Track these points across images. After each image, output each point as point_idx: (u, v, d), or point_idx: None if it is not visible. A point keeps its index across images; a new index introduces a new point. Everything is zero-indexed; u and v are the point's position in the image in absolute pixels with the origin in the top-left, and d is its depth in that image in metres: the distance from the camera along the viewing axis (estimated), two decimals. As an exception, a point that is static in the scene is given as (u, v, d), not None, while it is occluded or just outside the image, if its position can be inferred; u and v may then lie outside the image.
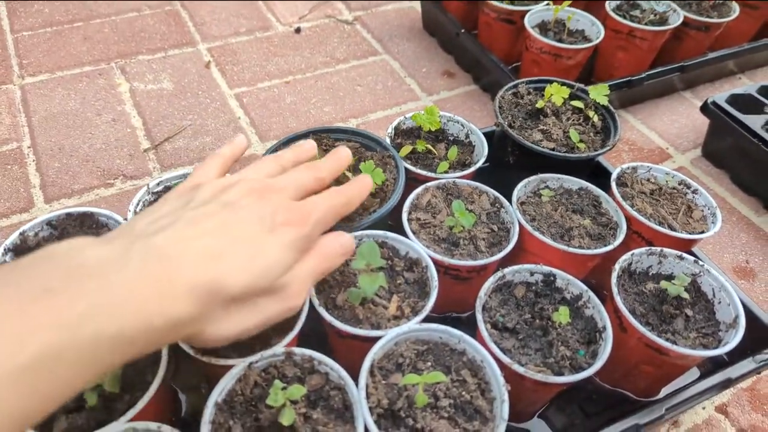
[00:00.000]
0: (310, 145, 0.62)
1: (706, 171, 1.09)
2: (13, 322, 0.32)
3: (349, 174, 0.73)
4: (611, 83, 1.02)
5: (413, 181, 0.77)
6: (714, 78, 1.29)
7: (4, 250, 0.62)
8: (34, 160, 0.96)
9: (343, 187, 0.57)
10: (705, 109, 1.04)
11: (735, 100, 1.03)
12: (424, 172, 0.76)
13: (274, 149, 0.77)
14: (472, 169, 0.78)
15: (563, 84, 0.86)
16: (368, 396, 0.54)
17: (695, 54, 1.17)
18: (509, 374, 0.57)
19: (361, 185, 0.58)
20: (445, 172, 0.78)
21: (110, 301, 0.35)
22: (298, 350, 0.56)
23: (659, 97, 1.24)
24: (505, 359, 0.57)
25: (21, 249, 0.63)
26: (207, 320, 0.41)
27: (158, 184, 0.71)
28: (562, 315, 0.61)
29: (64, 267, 0.36)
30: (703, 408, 0.76)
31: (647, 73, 1.09)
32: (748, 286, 0.90)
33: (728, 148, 1.05)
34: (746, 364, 0.69)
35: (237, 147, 0.59)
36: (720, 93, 1.05)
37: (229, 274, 0.41)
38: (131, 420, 0.50)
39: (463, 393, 0.56)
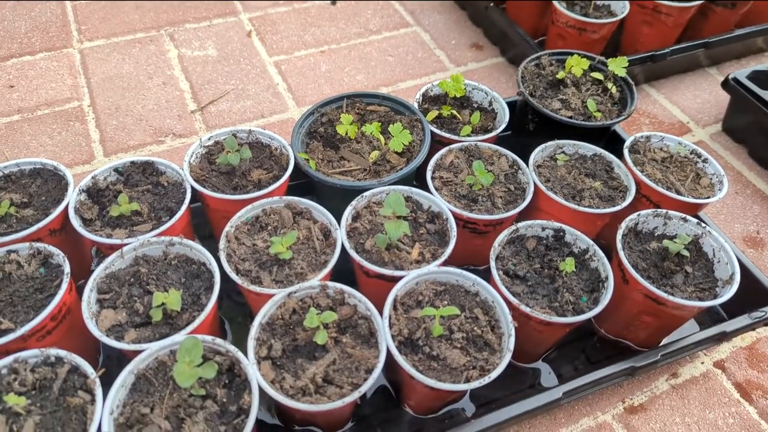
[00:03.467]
0: None
1: (725, 145, 1.12)
2: None
3: (379, 135, 0.80)
4: (634, 57, 1.05)
5: (438, 143, 0.83)
6: (741, 55, 1.31)
7: (79, 190, 0.71)
8: (93, 118, 1.06)
9: None
10: (726, 84, 1.06)
11: (757, 76, 1.05)
12: (448, 135, 0.83)
13: (311, 112, 0.84)
14: (494, 133, 0.84)
15: (584, 56, 0.91)
16: (391, 326, 0.62)
17: (722, 30, 1.19)
18: (517, 314, 0.64)
19: None
20: (468, 135, 0.84)
21: None
22: (331, 284, 0.64)
23: (683, 73, 1.26)
24: (514, 300, 0.64)
25: (93, 190, 0.72)
26: None
27: (209, 139, 0.79)
28: (568, 264, 0.68)
29: None
30: (702, 362, 0.82)
31: (671, 48, 1.12)
32: (757, 255, 0.94)
33: (747, 123, 1.07)
34: (742, 320, 0.75)
35: None
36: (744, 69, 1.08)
37: None
38: (190, 333, 0.59)
39: (475, 328, 0.63)
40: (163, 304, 0.59)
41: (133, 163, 0.75)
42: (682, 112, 1.18)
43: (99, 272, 0.63)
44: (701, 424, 0.75)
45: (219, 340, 0.57)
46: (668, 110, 1.18)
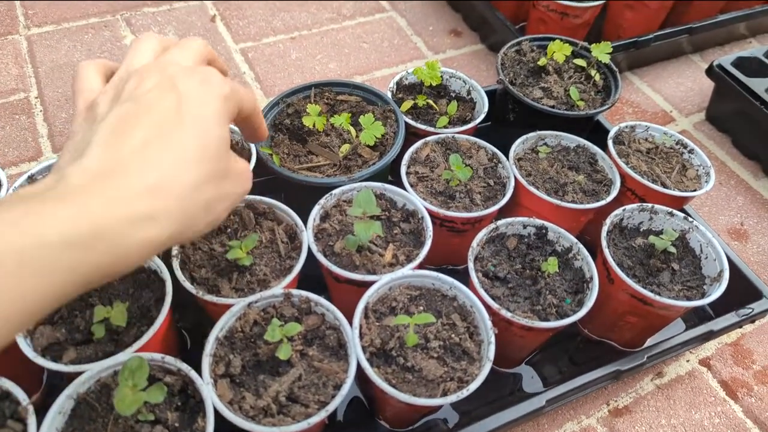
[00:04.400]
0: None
1: (709, 135, 1.09)
2: None
3: (350, 128, 0.75)
4: (617, 44, 1.01)
5: (413, 135, 0.78)
6: (724, 42, 1.28)
7: (15, 191, 0.64)
8: (41, 111, 0.98)
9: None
10: (710, 71, 1.03)
11: (741, 63, 1.02)
12: (423, 127, 0.77)
13: (276, 102, 0.78)
14: (472, 124, 0.79)
15: (566, 42, 0.86)
16: (362, 336, 0.57)
17: (707, 16, 1.16)
18: (498, 319, 0.60)
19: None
20: (445, 127, 0.79)
21: (51, 209, 0.33)
22: (296, 292, 0.58)
23: (667, 60, 1.23)
24: (494, 305, 0.60)
25: (32, 191, 0.65)
26: (177, 219, 0.38)
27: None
28: (551, 265, 0.64)
29: None
30: (687, 361, 0.79)
31: (654, 34, 1.08)
32: (741, 247, 0.92)
33: (731, 112, 1.04)
34: (729, 318, 0.72)
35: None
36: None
37: (177, 165, 0.38)
38: (137, 351, 0.53)
39: (453, 335, 0.58)
40: (105, 319, 0.54)
41: (76, 160, 0.68)
42: (665, 100, 1.15)
43: (36, 283, 0.57)
44: (687, 425, 0.72)
45: (169, 358, 0.52)
46: (651, 98, 1.15)
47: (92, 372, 0.51)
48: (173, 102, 0.40)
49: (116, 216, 0.35)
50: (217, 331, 0.55)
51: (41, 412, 0.49)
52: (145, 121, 0.39)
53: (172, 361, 0.52)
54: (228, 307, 0.56)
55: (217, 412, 0.50)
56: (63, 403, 0.49)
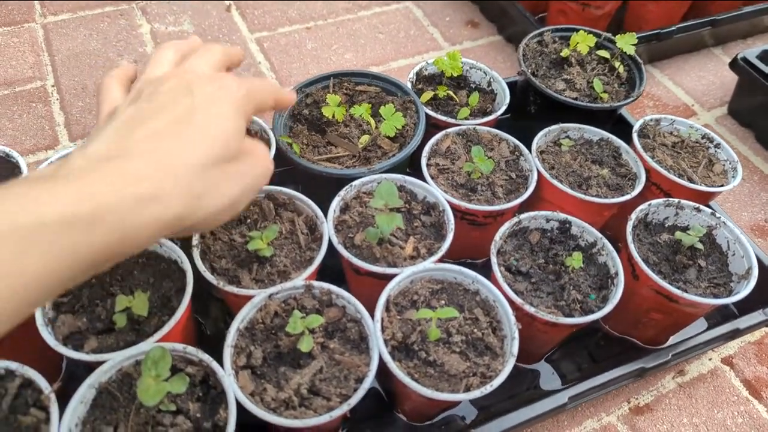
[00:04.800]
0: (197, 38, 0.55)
1: (731, 129, 1.07)
2: None
3: (370, 118, 0.74)
4: (640, 35, 0.99)
5: (433, 127, 0.77)
6: (747, 35, 1.25)
7: (36, 179, 0.64)
8: (58, 99, 0.97)
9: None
10: (734, 64, 1.01)
11: (766, 56, 1.00)
12: (444, 118, 0.76)
13: (295, 92, 0.77)
14: (493, 116, 0.78)
15: (590, 32, 0.85)
16: (383, 329, 0.56)
17: (730, 8, 1.13)
18: (521, 314, 0.59)
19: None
20: (466, 118, 0.78)
21: (50, 190, 0.33)
22: (316, 283, 0.58)
23: (689, 53, 1.20)
24: (517, 300, 0.59)
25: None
26: (187, 199, 0.38)
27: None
28: (575, 260, 0.62)
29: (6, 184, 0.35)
30: (710, 359, 0.77)
31: (677, 26, 1.06)
32: (766, 244, 0.90)
33: (755, 106, 1.02)
34: (755, 316, 0.70)
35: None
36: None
37: (184, 148, 0.39)
38: (158, 341, 0.52)
39: (475, 330, 0.58)
40: (127, 308, 0.53)
41: (96, 148, 0.67)
42: (687, 93, 1.13)
43: (56, 272, 0.56)
44: (709, 424, 0.71)
45: (191, 348, 0.51)
46: (672, 92, 1.13)
47: (114, 361, 0.50)
48: (188, 103, 0.41)
49: (118, 196, 0.35)
50: (238, 322, 0.54)
51: (61, 401, 0.48)
52: (158, 116, 0.40)
53: (194, 352, 0.51)
54: (249, 298, 0.56)
55: (238, 404, 0.49)
56: (85, 393, 0.49)
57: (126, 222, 0.35)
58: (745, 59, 0.99)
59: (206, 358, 0.51)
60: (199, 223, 0.41)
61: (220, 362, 0.51)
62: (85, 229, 0.33)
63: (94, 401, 0.50)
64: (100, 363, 0.50)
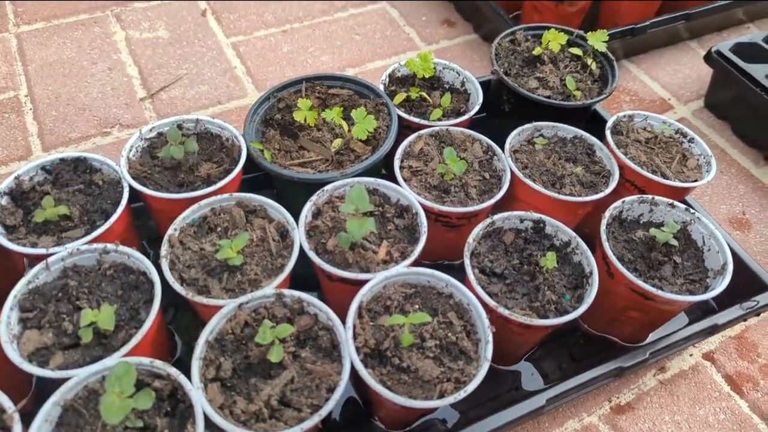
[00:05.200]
0: None
1: (708, 122, 1.07)
2: None
3: (342, 122, 0.73)
4: (614, 31, 0.99)
5: (406, 128, 0.76)
6: (722, 27, 1.25)
7: (1, 192, 0.63)
8: (31, 109, 0.96)
9: None
10: (708, 58, 1.01)
11: (740, 49, 1.00)
12: (417, 120, 0.76)
13: (266, 97, 0.77)
14: (467, 116, 0.78)
15: (561, 30, 0.84)
16: (355, 336, 0.55)
17: (704, 2, 1.13)
18: (495, 317, 0.59)
19: None
20: (439, 119, 0.77)
21: None
22: (287, 292, 0.57)
23: (664, 47, 1.20)
24: (491, 302, 0.58)
25: (16, 192, 0.64)
26: None
27: (151, 130, 0.71)
28: (549, 260, 0.62)
29: None
30: (691, 355, 0.77)
31: (651, 21, 1.06)
32: (743, 237, 0.90)
33: (731, 99, 1.02)
34: (733, 311, 0.70)
35: None
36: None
37: None
38: (125, 355, 0.52)
39: (449, 334, 0.57)
40: (93, 322, 0.52)
41: (62, 160, 0.66)
42: (663, 88, 1.13)
43: (21, 287, 0.55)
44: (691, 421, 0.71)
45: (158, 363, 0.50)
46: (648, 86, 1.13)
47: (79, 378, 0.49)
48: None
49: None
50: (207, 333, 0.54)
51: (30, 417, 0.47)
52: None
53: (161, 366, 0.50)
54: (218, 308, 0.55)
55: (207, 418, 0.48)
56: (50, 411, 0.48)
57: None
58: (719, 52, 0.99)
59: (173, 371, 0.50)
60: None
61: (190, 376, 0.50)
62: None
63: (60, 419, 0.49)
64: (65, 380, 0.49)
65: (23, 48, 1.06)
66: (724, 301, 0.72)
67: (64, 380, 0.50)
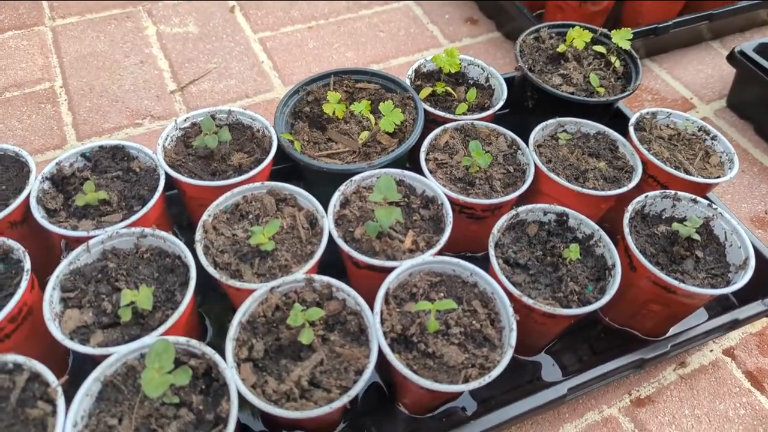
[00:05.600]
0: None
1: (730, 122, 1.07)
2: None
3: (369, 115, 0.75)
4: (636, 30, 1.00)
5: (432, 122, 0.78)
6: (744, 28, 1.25)
7: (42, 178, 0.65)
8: (66, 100, 0.99)
9: None
10: (732, 57, 1.01)
11: (764, 49, 1.00)
12: (442, 114, 0.77)
13: (296, 90, 0.79)
14: (491, 111, 0.79)
15: (586, 28, 0.85)
16: (383, 321, 0.57)
17: (727, 2, 1.13)
18: (519, 306, 0.60)
19: None
20: (464, 114, 0.79)
21: None
22: (317, 277, 0.59)
23: (686, 47, 1.20)
24: (515, 291, 0.60)
25: (57, 177, 0.66)
26: None
27: (185, 120, 0.73)
28: (573, 251, 0.63)
29: None
30: (711, 351, 0.78)
31: (674, 20, 1.06)
32: (765, 235, 0.90)
33: (754, 99, 1.02)
34: (755, 306, 0.71)
35: None
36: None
37: None
38: (162, 335, 0.54)
39: (474, 322, 0.58)
40: (132, 302, 0.54)
41: (101, 147, 0.69)
42: (685, 87, 1.13)
43: (62, 268, 0.58)
44: (711, 415, 0.72)
45: (194, 342, 0.52)
46: (671, 86, 1.13)
47: (119, 355, 0.51)
48: None
49: None
50: (240, 315, 0.56)
51: (67, 394, 0.50)
52: None
53: (197, 345, 0.52)
54: (250, 292, 0.57)
55: (240, 396, 0.50)
56: (90, 386, 0.50)
57: None
58: (742, 52, 0.99)
59: (209, 351, 0.52)
60: None
61: (223, 355, 0.52)
62: None
63: (100, 394, 0.51)
64: (105, 356, 0.52)
65: (58, 41, 1.09)
66: (746, 296, 0.73)
67: (103, 357, 0.52)
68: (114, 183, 0.66)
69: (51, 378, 0.50)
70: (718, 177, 0.74)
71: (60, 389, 0.50)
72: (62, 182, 0.66)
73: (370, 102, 0.76)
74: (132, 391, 0.51)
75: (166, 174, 0.66)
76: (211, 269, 0.59)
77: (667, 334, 0.73)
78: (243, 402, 0.50)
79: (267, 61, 1.10)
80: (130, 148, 0.69)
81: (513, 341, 0.56)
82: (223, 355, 0.52)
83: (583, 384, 0.65)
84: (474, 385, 0.53)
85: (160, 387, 0.47)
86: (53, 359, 0.60)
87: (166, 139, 0.70)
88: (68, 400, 0.49)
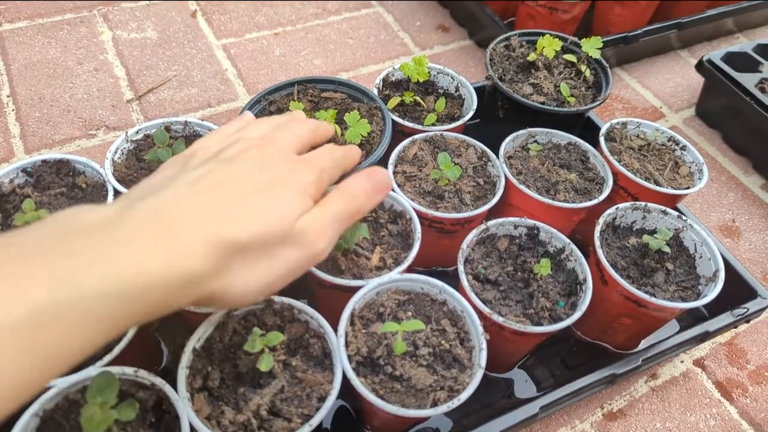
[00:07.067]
0: (301, 114, 0.58)
1: (699, 130, 1.08)
2: (2, 279, 0.30)
3: (335, 125, 0.72)
4: (606, 39, 0.99)
5: (400, 133, 0.76)
6: (712, 37, 1.27)
7: (-20, 195, 0.61)
8: (13, 110, 0.94)
9: (340, 146, 0.55)
10: (700, 66, 1.02)
11: (731, 58, 1.01)
12: (411, 125, 0.75)
13: (257, 100, 0.75)
14: (461, 122, 0.77)
15: (556, 36, 0.84)
16: (347, 344, 0.54)
17: (695, 11, 1.14)
18: (489, 324, 0.58)
19: (355, 149, 0.56)
20: (433, 124, 0.76)
21: (108, 256, 0.33)
22: (278, 299, 0.56)
23: (655, 56, 1.21)
24: (485, 309, 0.58)
25: (-3, 195, 0.62)
26: (224, 276, 0.38)
27: (137, 132, 0.69)
28: (543, 267, 0.61)
29: (56, 229, 0.34)
30: (681, 361, 0.77)
31: (643, 29, 1.06)
32: (733, 244, 0.90)
33: (721, 107, 1.03)
34: (724, 318, 0.70)
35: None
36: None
37: (236, 224, 0.39)
38: (107, 365, 0.50)
39: (443, 342, 0.56)
40: (75, 330, 0.50)
41: (44, 162, 0.64)
42: (655, 96, 1.14)
43: (1, 293, 0.53)
44: (682, 427, 0.71)
45: (143, 372, 0.49)
46: (641, 94, 1.13)
47: (59, 388, 0.48)
48: (255, 181, 0.42)
49: (169, 273, 0.35)
50: (195, 341, 0.52)
51: (6, 428, 0.46)
52: (223, 187, 0.41)
53: (146, 375, 0.49)
54: (206, 315, 0.54)
55: (193, 429, 0.47)
56: (28, 422, 0.46)
57: (169, 297, 0.36)
58: (710, 61, 1.00)
59: (159, 381, 0.48)
60: (228, 302, 0.40)
61: (176, 385, 0.49)
62: (135, 301, 0.34)
63: (38, 431, 0.47)
64: (44, 390, 0.48)
65: (5, 47, 1.03)
66: (715, 308, 0.72)
67: (43, 390, 0.48)
68: (57, 200, 0.62)
69: (-16, 415, 0.46)
70: (688, 188, 0.73)
71: (-6, 427, 0.46)
72: (0, 200, 0.62)
73: (336, 112, 0.73)
74: (74, 426, 0.47)
75: (116, 190, 0.62)
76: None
77: (639, 347, 0.72)
78: (197, 436, 0.47)
79: (231, 69, 1.06)
80: (76, 162, 0.65)
81: (483, 362, 0.54)
82: (176, 384, 0.49)
83: (555, 402, 0.63)
84: (442, 409, 0.51)
85: (102, 425, 0.44)
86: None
87: (116, 152, 0.66)
88: (2, 440, 0.45)
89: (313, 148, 0.53)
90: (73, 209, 0.37)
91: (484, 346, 0.55)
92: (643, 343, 0.72)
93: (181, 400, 0.48)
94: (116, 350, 0.50)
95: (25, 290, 0.30)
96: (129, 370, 0.48)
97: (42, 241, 0.33)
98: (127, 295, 0.33)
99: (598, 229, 0.66)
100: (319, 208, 0.44)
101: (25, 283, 0.30)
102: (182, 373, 0.50)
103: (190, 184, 0.40)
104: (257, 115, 0.75)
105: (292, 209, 0.42)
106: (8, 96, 0.95)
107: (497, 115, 0.83)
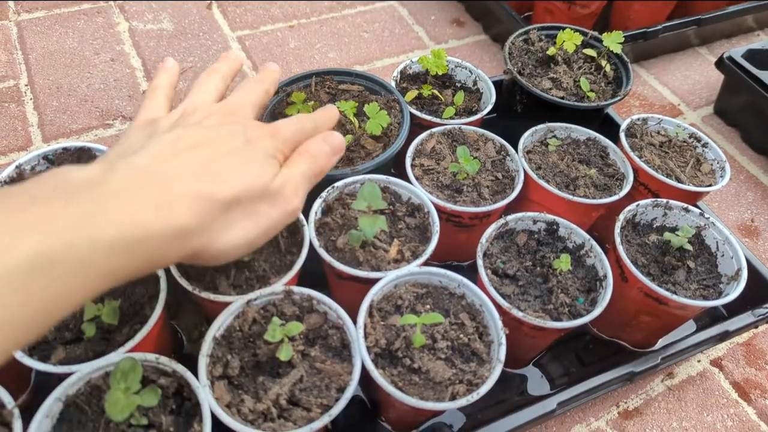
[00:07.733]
0: (235, 55, 0.59)
1: (717, 129, 1.07)
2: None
3: (353, 117, 0.72)
4: (626, 34, 0.98)
5: (418, 126, 0.75)
6: (731, 34, 1.25)
7: (1, 182, 0.61)
8: (31, 99, 0.94)
9: (310, 114, 0.56)
10: (720, 63, 1.00)
11: (752, 55, 0.99)
12: (429, 118, 0.74)
13: (275, 91, 0.75)
14: (479, 116, 0.76)
15: (576, 31, 0.83)
16: (366, 335, 0.54)
17: (714, 8, 1.13)
18: (508, 319, 0.57)
19: (329, 112, 0.58)
20: (451, 118, 0.76)
21: (103, 207, 0.35)
22: (297, 289, 0.56)
23: (674, 52, 1.20)
24: (504, 304, 0.57)
25: (17, 181, 0.62)
26: (208, 232, 0.41)
27: (157, 121, 0.69)
28: (563, 262, 0.61)
29: (51, 184, 0.36)
30: (698, 361, 0.77)
31: (663, 25, 1.05)
32: (752, 244, 0.89)
33: (741, 105, 1.02)
34: (744, 318, 0.70)
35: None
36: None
37: (220, 181, 0.41)
38: (129, 351, 0.50)
39: (461, 335, 0.56)
40: (96, 317, 0.51)
41: (65, 149, 0.65)
42: (673, 93, 1.12)
43: (22, 279, 0.53)
44: (699, 427, 0.70)
45: (164, 359, 0.49)
46: (658, 91, 1.12)
47: (82, 373, 0.48)
48: (229, 138, 0.45)
49: (160, 227, 0.37)
50: (215, 330, 0.52)
51: (28, 413, 0.46)
52: (203, 147, 0.43)
53: (167, 362, 0.49)
54: (226, 304, 0.54)
55: (214, 416, 0.47)
56: (51, 406, 0.46)
57: (158, 252, 0.37)
58: (731, 58, 0.99)
59: (180, 368, 0.49)
60: (211, 257, 0.43)
61: (196, 372, 0.49)
62: (127, 253, 0.35)
63: (61, 415, 0.47)
64: (67, 375, 0.48)
65: (24, 37, 1.04)
66: (735, 307, 0.72)
67: (66, 375, 0.48)
68: (79, 187, 0.62)
69: (7, 399, 0.47)
70: (710, 185, 0.72)
71: (16, 411, 0.46)
72: (23, 186, 0.62)
73: (356, 104, 0.73)
74: (96, 411, 0.47)
75: (137, 178, 0.62)
76: (182, 280, 0.55)
77: (656, 346, 0.71)
78: (218, 422, 0.47)
79: (246, 61, 1.06)
80: (97, 150, 0.65)
81: (502, 356, 0.54)
82: (196, 372, 0.49)
83: (573, 398, 0.63)
84: (461, 402, 0.51)
85: (126, 409, 0.44)
86: (14, 377, 0.56)
87: (138, 140, 0.66)
88: (28, 421, 0.45)
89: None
90: (62, 168, 0.38)
91: (503, 340, 0.54)
92: (660, 342, 0.72)
93: (202, 388, 0.48)
94: (137, 337, 0.50)
95: (19, 239, 0.31)
96: (151, 357, 0.48)
97: (37, 196, 0.34)
98: (120, 245, 0.35)
99: (618, 225, 0.65)
100: (288, 168, 0.48)
101: (20, 232, 0.31)
102: (203, 361, 0.50)
103: (168, 145, 0.42)
104: (274, 108, 0.75)
105: (266, 169, 0.45)
106: (26, 85, 0.96)
107: (515, 109, 0.83)
